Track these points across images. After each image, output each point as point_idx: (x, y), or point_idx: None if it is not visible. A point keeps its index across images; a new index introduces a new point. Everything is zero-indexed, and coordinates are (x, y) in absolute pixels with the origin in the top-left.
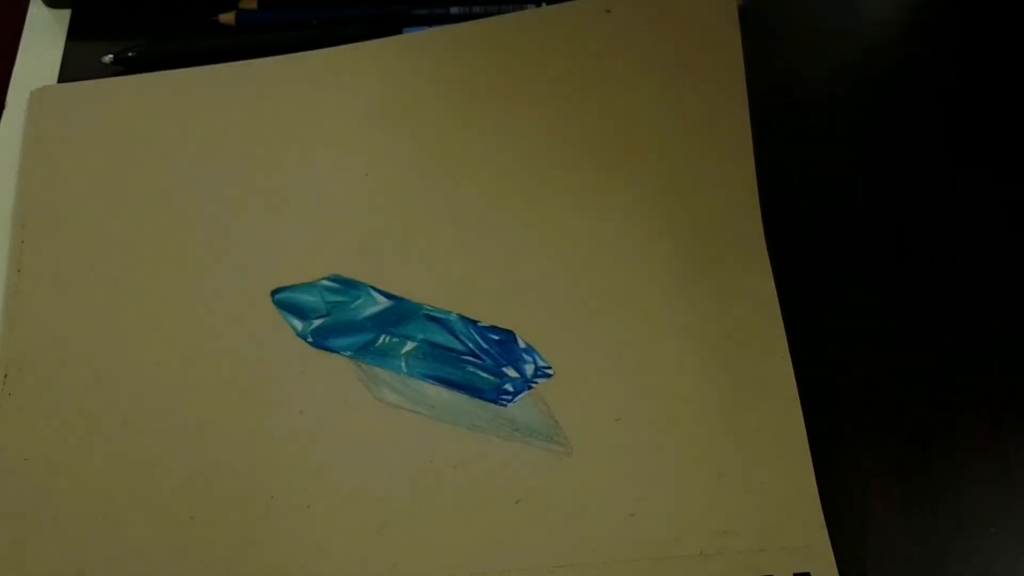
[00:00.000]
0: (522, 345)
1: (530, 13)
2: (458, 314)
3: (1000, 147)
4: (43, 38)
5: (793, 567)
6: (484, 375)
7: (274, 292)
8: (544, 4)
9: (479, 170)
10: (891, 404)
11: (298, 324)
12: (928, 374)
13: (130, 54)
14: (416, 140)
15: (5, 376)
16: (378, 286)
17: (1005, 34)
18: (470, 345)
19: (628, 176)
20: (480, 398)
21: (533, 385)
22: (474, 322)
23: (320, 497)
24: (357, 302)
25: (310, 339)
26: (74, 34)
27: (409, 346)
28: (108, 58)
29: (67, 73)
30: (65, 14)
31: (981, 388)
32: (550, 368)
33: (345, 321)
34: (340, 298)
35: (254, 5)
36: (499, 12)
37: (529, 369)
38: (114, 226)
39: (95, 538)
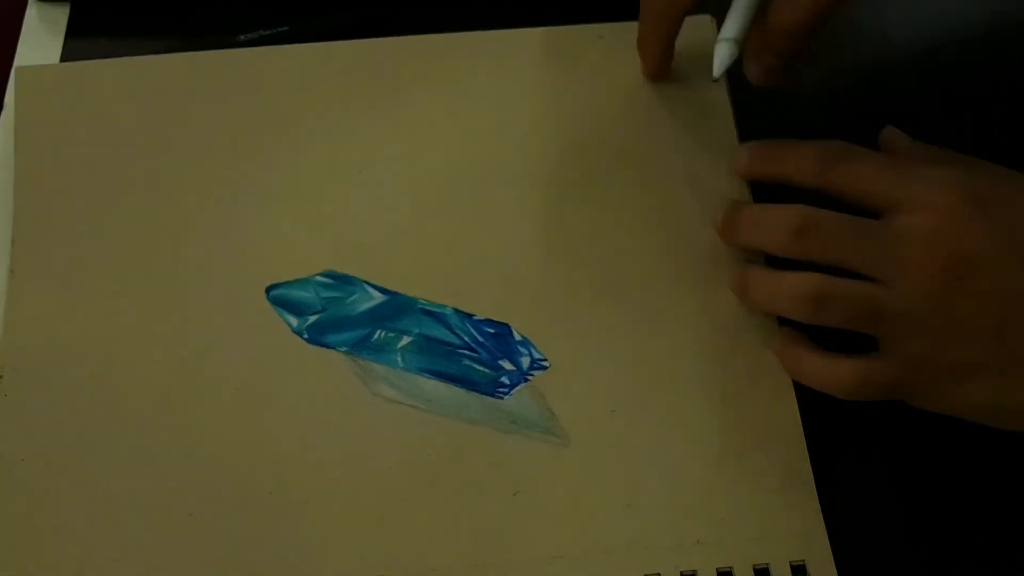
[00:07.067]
0: (518, 338)
1: (528, 32)
2: (453, 308)
3: (1000, 147)
4: (42, 34)
5: (790, 555)
6: (480, 368)
7: (269, 288)
8: None
9: (472, 165)
10: (890, 402)
11: (293, 320)
12: None
13: None
14: (410, 136)
15: (1, 377)
16: (373, 281)
17: (1005, 33)
18: (466, 339)
19: (623, 171)
20: (476, 391)
21: (529, 377)
22: (469, 316)
23: (318, 492)
24: (352, 297)
25: (305, 335)
26: (73, 30)
27: (405, 340)
28: None
29: None
30: (64, 10)
31: None
32: (546, 360)
33: (340, 316)
34: (335, 293)
35: None
36: None
37: (525, 362)
38: (105, 223)
39: (93, 537)
